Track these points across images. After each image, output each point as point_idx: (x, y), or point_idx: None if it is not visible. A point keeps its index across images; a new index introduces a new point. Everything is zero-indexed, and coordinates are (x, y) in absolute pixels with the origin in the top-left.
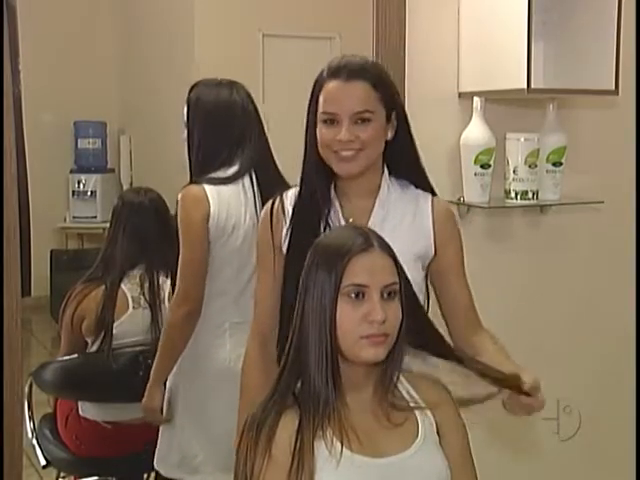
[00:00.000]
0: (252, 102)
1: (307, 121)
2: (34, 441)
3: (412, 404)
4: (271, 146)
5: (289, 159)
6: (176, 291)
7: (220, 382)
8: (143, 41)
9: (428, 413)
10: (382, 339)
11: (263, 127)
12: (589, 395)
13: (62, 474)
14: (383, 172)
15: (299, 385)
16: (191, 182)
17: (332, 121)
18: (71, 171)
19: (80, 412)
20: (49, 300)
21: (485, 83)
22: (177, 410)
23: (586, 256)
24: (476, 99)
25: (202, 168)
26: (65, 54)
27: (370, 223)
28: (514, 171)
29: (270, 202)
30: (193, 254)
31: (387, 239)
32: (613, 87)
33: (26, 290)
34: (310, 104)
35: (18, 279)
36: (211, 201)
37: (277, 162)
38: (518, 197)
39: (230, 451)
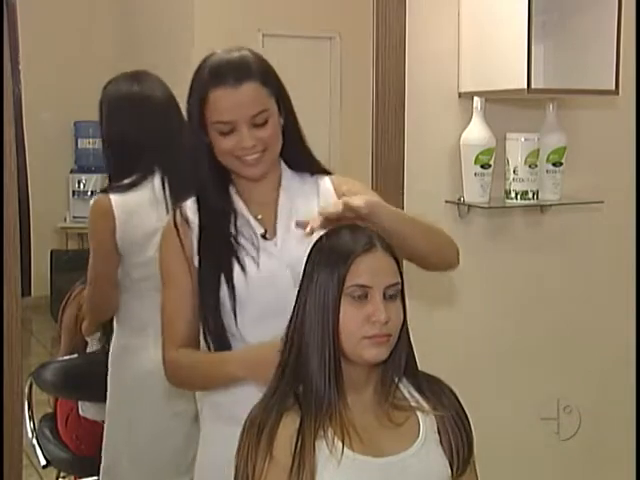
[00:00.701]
0: (166, 93)
1: (190, 126)
2: (34, 441)
3: (413, 403)
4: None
5: None
6: (85, 302)
7: (143, 383)
8: (143, 41)
9: (429, 412)
10: (385, 339)
11: (180, 120)
12: (589, 395)
13: (62, 474)
14: (280, 163)
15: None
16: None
17: (229, 130)
18: (71, 171)
19: (80, 412)
20: (49, 300)
21: (485, 83)
22: (108, 412)
23: (586, 256)
24: (476, 99)
25: (114, 173)
26: (65, 54)
27: (278, 217)
28: (514, 171)
29: (171, 215)
30: (100, 269)
31: (302, 234)
32: (613, 87)
33: (26, 290)
34: (191, 108)
35: (18, 279)
36: (116, 212)
37: None
38: (518, 197)
39: (155, 458)
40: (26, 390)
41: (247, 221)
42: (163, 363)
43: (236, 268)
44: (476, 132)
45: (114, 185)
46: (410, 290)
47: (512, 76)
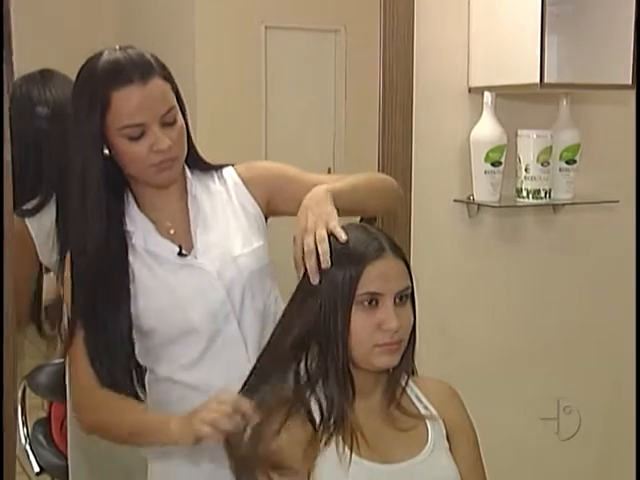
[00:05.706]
0: (55, 100)
1: (83, 139)
2: (27, 447)
3: (422, 409)
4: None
5: (291, 154)
6: None
7: None
8: (144, 37)
9: (438, 419)
10: (397, 346)
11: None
12: (589, 395)
13: None
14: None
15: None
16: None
17: (140, 133)
18: None
19: None
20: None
21: (496, 78)
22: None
23: (599, 257)
24: (487, 94)
25: (18, 193)
26: (65, 54)
27: (192, 227)
28: (526, 169)
29: None
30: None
31: (222, 236)
32: (630, 82)
33: None
34: (86, 118)
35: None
36: (32, 233)
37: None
38: (530, 196)
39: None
40: (19, 394)
41: (155, 240)
42: (77, 407)
43: (152, 288)
44: (486, 128)
45: (22, 209)
46: (416, 291)
47: (524, 70)
